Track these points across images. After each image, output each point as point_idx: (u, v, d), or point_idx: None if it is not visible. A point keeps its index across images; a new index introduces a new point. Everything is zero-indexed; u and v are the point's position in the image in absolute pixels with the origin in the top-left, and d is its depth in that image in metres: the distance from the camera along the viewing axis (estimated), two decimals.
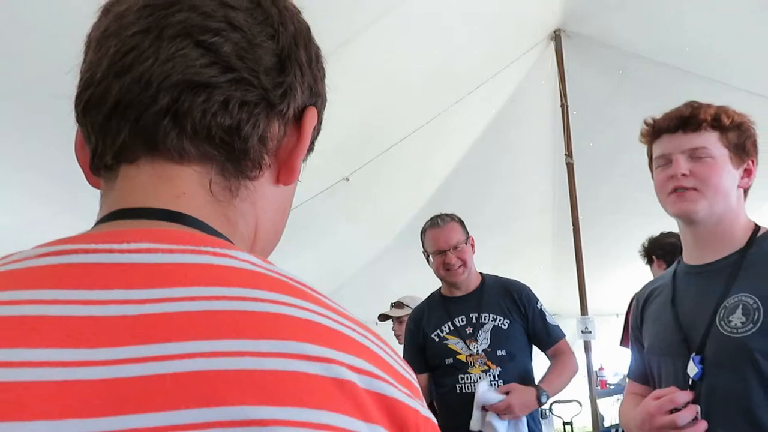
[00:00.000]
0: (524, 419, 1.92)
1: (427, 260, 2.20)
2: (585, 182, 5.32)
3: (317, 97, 0.58)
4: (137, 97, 0.46)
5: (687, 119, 1.19)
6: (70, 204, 4.14)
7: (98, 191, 0.52)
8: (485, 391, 1.86)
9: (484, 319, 2.05)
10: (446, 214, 2.20)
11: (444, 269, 2.10)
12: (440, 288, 2.24)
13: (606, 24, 4.61)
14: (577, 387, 4.65)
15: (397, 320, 3.82)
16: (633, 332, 1.44)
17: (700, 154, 1.18)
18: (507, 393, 1.88)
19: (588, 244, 5.39)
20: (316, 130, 0.59)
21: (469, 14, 4.15)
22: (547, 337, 2.11)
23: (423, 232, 2.21)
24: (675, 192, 1.19)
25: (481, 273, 2.22)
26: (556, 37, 4.99)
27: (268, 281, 0.45)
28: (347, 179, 5.41)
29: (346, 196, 5.61)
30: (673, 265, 1.35)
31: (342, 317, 0.46)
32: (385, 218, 5.87)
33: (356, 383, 0.41)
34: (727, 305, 1.14)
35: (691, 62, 4.37)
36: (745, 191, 1.25)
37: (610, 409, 5.04)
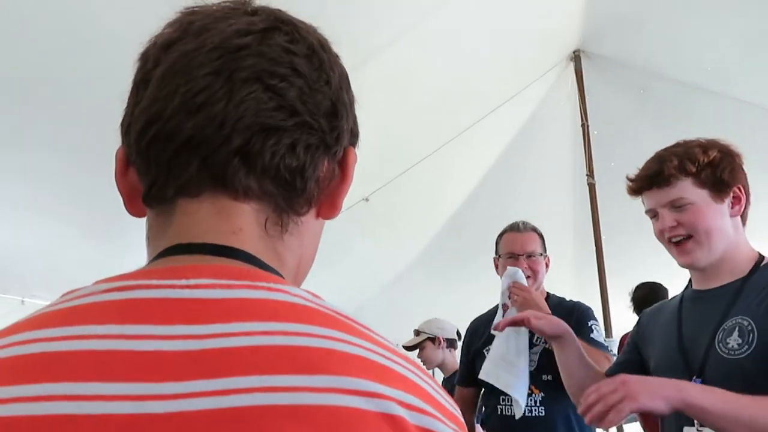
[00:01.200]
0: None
1: (496, 268, 2.11)
2: (606, 203, 5.26)
3: (356, 138, 0.61)
4: (211, 135, 0.49)
5: (655, 176, 1.24)
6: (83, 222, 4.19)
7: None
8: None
9: (536, 340, 1.95)
10: (528, 223, 2.13)
11: None
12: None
13: (626, 44, 4.59)
14: None
15: (416, 348, 3.79)
16: (631, 338, 1.46)
17: (680, 203, 1.22)
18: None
19: (610, 265, 5.31)
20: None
21: (489, 34, 4.16)
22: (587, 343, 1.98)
23: (500, 235, 2.13)
24: (672, 243, 1.24)
25: (548, 292, 2.14)
26: (576, 57, 4.98)
27: (320, 316, 0.47)
28: (367, 200, 5.41)
29: (365, 216, 5.61)
30: (681, 291, 1.38)
31: (388, 351, 0.47)
32: (404, 239, 5.85)
33: (406, 419, 0.42)
34: (726, 327, 1.17)
35: (713, 81, 4.32)
36: (742, 217, 1.27)
37: None
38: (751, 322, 1.13)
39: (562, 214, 6.20)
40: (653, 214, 1.27)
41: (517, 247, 2.03)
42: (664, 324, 1.35)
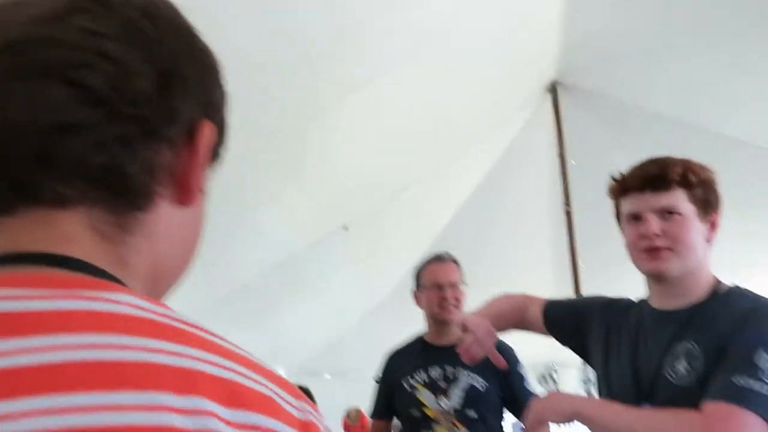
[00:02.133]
0: None
1: (417, 301, 2.10)
2: (585, 233, 5.30)
3: (212, 108, 0.54)
4: (4, 146, 0.44)
5: (656, 178, 1.22)
6: None
7: None
8: None
9: (461, 376, 1.94)
10: (449, 253, 2.14)
11: (438, 306, 2.01)
12: (423, 334, 2.13)
13: (604, 76, 4.68)
14: None
15: None
16: (581, 301, 1.46)
17: (671, 211, 1.20)
18: None
19: (589, 292, 5.34)
20: (219, 140, 0.56)
21: (466, 67, 4.21)
22: (523, 403, 1.99)
23: (421, 267, 2.13)
24: (647, 251, 1.20)
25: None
26: (553, 89, 5.06)
27: (147, 326, 0.41)
28: (346, 228, 5.38)
29: (345, 245, 5.58)
30: (639, 300, 1.37)
31: (231, 361, 0.43)
32: (385, 269, 5.83)
33: None
34: (674, 352, 1.16)
35: (691, 114, 4.41)
36: (711, 243, 1.27)
37: None
38: (698, 348, 1.13)
39: (541, 244, 6.24)
40: (635, 217, 1.23)
41: (441, 277, 2.05)
42: (625, 338, 1.33)
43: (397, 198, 5.04)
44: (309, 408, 0.46)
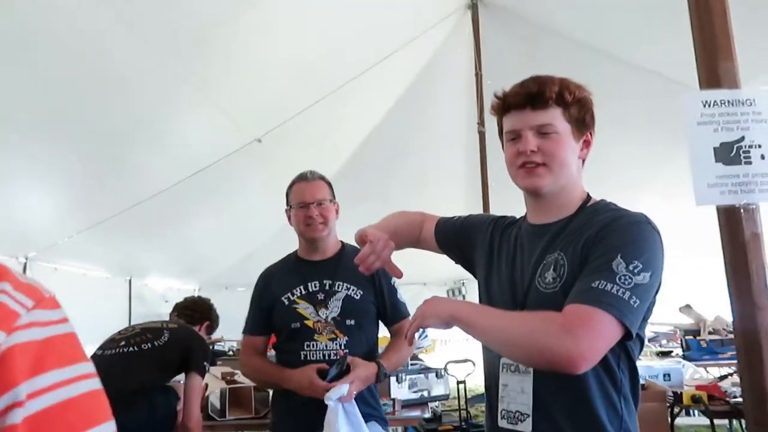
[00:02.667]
0: (354, 403, 1.85)
1: (289, 219, 2.12)
2: (497, 152, 5.44)
3: None
4: None
5: (534, 97, 1.24)
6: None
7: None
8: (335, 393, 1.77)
9: (338, 288, 2.00)
10: (316, 172, 2.14)
11: (305, 223, 2.04)
12: (297, 250, 2.17)
13: None
14: (471, 347, 4.81)
15: None
16: (469, 219, 1.54)
17: (547, 130, 1.23)
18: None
19: (497, 211, 5.54)
20: None
21: None
22: (394, 313, 2.08)
23: (290, 186, 2.13)
24: (524, 167, 1.25)
25: (342, 241, 2.17)
26: (473, 5, 5.02)
27: None
28: (260, 141, 5.26)
29: (258, 158, 5.46)
30: (520, 218, 1.44)
31: None
32: None
33: None
34: (546, 262, 1.23)
35: (604, 40, 4.51)
36: (583, 161, 1.32)
37: None
38: (564, 257, 1.20)
39: (454, 161, 6.37)
40: (515, 135, 1.26)
41: (307, 196, 2.06)
42: (505, 253, 1.39)
43: (312, 111, 4.94)
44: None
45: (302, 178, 2.10)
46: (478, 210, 4.98)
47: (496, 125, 1.39)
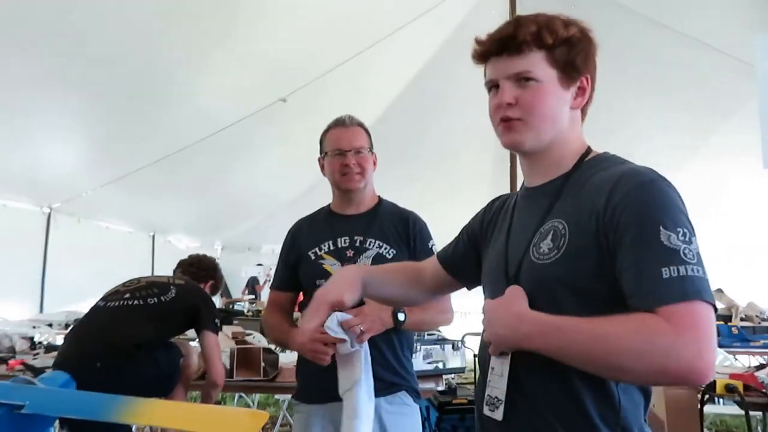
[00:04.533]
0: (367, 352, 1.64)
1: (322, 169, 1.96)
2: None
3: None
4: None
5: (507, 41, 1.07)
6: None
7: None
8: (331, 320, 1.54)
9: (369, 245, 1.82)
10: (354, 117, 1.96)
11: (340, 173, 1.88)
12: (330, 203, 2.02)
13: None
14: None
15: None
16: (468, 225, 1.37)
17: (526, 77, 1.06)
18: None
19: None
20: None
21: None
22: None
23: (325, 132, 1.95)
24: (502, 122, 1.09)
25: (379, 196, 2.03)
26: None
27: None
28: (284, 100, 5.16)
29: (282, 117, 5.37)
30: (521, 187, 1.27)
31: None
32: None
33: None
34: (542, 231, 1.07)
35: (645, 4, 4.28)
36: (583, 111, 1.13)
37: None
38: (565, 225, 1.03)
39: (483, 129, 6.21)
40: (493, 86, 1.10)
41: (344, 142, 1.86)
42: (500, 225, 1.23)
43: (338, 72, 4.81)
44: None
45: (339, 123, 1.92)
46: (505, 180, 4.84)
47: (483, 76, 1.17)
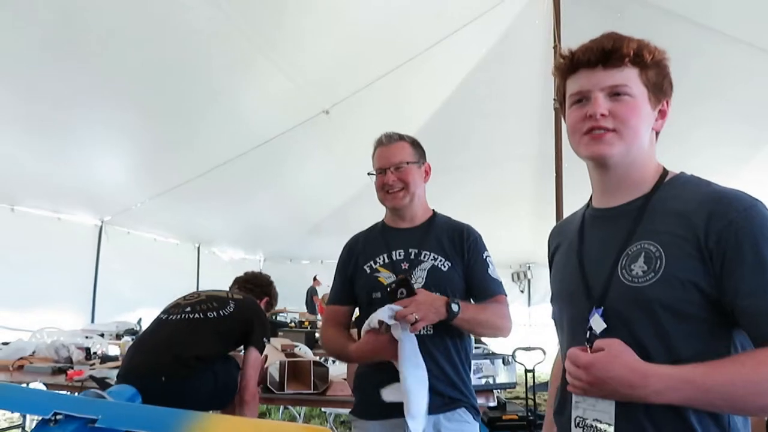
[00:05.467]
0: (414, 343, 1.64)
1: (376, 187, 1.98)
2: None
3: None
4: None
5: (609, 53, 1.08)
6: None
7: None
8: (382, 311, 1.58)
9: (424, 257, 1.82)
10: (394, 133, 1.97)
11: (383, 191, 1.89)
12: (384, 218, 2.03)
13: None
14: (543, 334, 4.65)
15: None
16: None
17: (621, 91, 1.08)
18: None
19: (570, 193, 5.30)
20: None
21: None
22: (485, 288, 1.85)
23: (373, 153, 1.98)
24: (590, 133, 1.09)
25: (433, 210, 2.02)
26: None
27: None
28: (327, 112, 5.20)
29: (325, 129, 5.42)
30: (582, 207, 1.26)
31: None
32: (364, 156, 5.71)
33: None
34: (630, 252, 1.06)
35: (693, 8, 4.19)
36: (657, 134, 1.14)
37: None
38: (659, 248, 1.03)
39: (527, 138, 6.13)
40: (582, 97, 1.10)
41: (383, 161, 1.88)
42: (566, 247, 1.23)
43: (381, 83, 4.83)
44: None
45: (380, 142, 1.95)
46: (549, 189, 4.78)
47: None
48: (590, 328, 1.07)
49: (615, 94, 1.08)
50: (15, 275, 4.99)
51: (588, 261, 1.15)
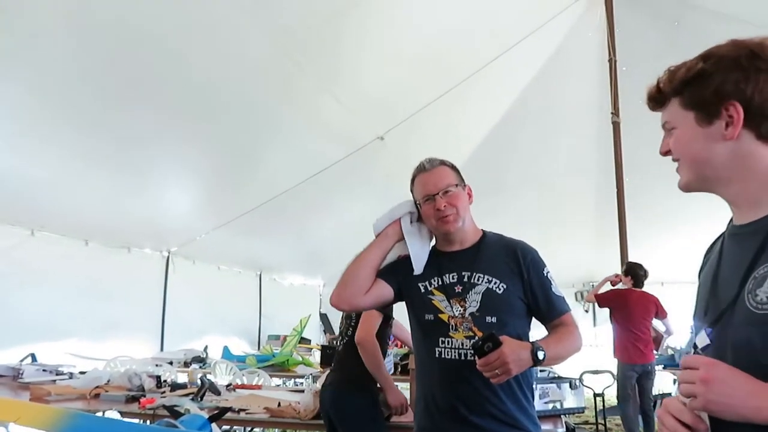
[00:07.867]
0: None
1: (419, 217, 1.96)
2: (632, 146, 5.04)
3: None
4: None
5: (651, 98, 1.14)
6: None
7: None
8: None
9: (477, 280, 1.78)
10: (435, 159, 1.95)
11: (436, 218, 1.86)
12: (435, 243, 2.00)
13: None
14: (611, 357, 4.49)
15: None
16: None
17: (668, 128, 1.12)
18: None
19: (633, 209, 5.15)
20: None
21: None
22: (550, 309, 1.80)
23: (411, 182, 1.96)
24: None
25: (483, 230, 1.99)
26: None
27: None
28: (382, 138, 5.26)
29: (380, 155, 5.47)
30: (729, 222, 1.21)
31: None
32: None
33: None
34: (757, 276, 0.98)
35: (753, 10, 4.03)
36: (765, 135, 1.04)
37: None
38: None
39: (585, 153, 6.01)
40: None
41: (431, 186, 1.84)
42: (709, 265, 1.20)
43: (435, 106, 4.85)
44: None
45: (420, 169, 1.94)
46: (611, 205, 4.67)
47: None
48: (695, 345, 1.05)
49: (668, 129, 1.12)
50: (89, 306, 5.22)
51: (718, 283, 1.10)
